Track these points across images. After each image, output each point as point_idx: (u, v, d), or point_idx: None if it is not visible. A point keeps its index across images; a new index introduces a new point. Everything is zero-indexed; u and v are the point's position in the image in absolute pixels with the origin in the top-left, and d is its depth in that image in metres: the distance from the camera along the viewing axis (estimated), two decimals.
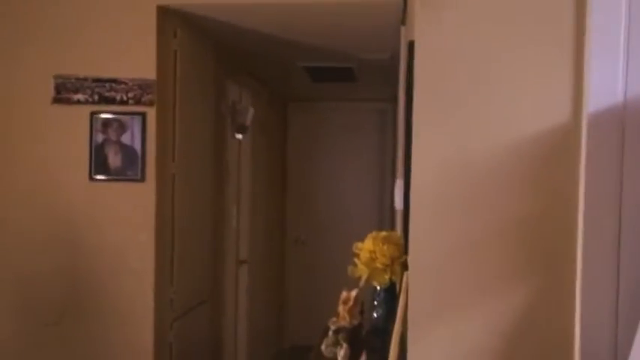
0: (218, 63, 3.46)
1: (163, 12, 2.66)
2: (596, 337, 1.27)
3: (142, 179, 2.63)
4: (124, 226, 2.65)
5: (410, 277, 1.40)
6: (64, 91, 2.64)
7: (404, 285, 1.62)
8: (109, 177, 2.65)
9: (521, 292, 1.34)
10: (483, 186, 1.35)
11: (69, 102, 2.64)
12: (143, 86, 2.61)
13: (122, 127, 2.63)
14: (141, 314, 2.64)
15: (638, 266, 1.20)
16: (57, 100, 2.65)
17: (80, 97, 2.64)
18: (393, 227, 4.11)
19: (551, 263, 1.33)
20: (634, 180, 1.26)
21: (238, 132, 3.96)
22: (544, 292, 1.33)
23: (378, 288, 2.15)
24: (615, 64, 1.26)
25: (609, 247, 1.26)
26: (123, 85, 2.62)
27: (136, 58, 2.62)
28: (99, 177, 2.65)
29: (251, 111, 4.03)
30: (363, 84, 4.64)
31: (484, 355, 1.35)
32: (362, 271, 2.04)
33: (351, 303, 2.22)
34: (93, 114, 2.64)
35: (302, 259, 5.53)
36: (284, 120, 5.59)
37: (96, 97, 2.64)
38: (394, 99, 4.27)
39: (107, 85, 2.63)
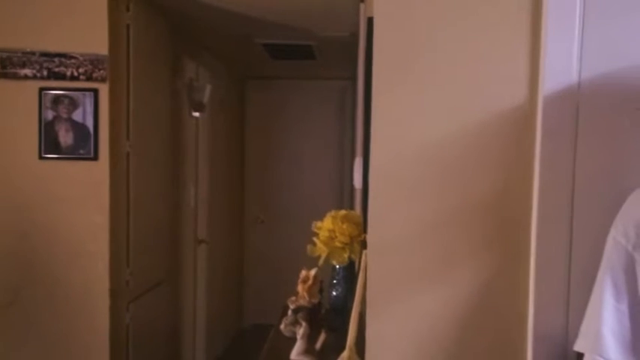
0: (174, 39, 3.37)
1: None
2: (549, 316, 1.30)
3: (95, 158, 2.56)
4: (77, 206, 2.58)
5: (369, 255, 1.40)
6: (10, 66, 2.53)
7: (363, 263, 1.62)
8: (60, 156, 2.56)
9: (478, 270, 1.36)
10: (441, 165, 1.35)
11: (15, 77, 2.53)
12: (94, 61, 2.52)
13: (73, 104, 2.54)
14: (96, 296, 2.59)
15: (590, 242, 1.23)
16: (2, 75, 2.53)
17: (27, 72, 2.53)
18: (352, 206, 4.13)
19: (508, 241, 1.35)
20: (587, 159, 1.28)
21: (195, 110, 3.88)
22: (501, 270, 1.35)
23: (337, 267, 2.15)
24: (570, 46, 1.28)
25: (563, 225, 1.29)
26: (73, 60, 2.52)
27: (87, 33, 2.53)
28: (49, 156, 2.56)
29: (208, 88, 3.95)
30: (322, 62, 4.60)
31: (442, 331, 1.37)
32: (321, 250, 2.04)
33: (310, 282, 2.22)
34: (42, 90, 2.54)
35: (261, 239, 5.52)
36: (242, 98, 5.51)
37: (45, 73, 2.53)
38: (354, 77, 4.26)
39: (56, 59, 2.53)
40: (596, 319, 1.08)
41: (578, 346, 1.12)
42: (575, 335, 1.13)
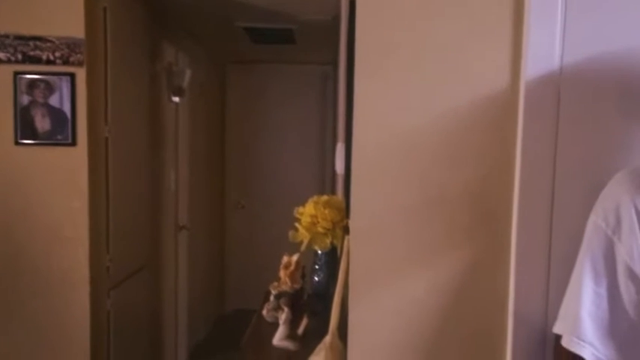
0: (153, 22, 3.31)
1: None
2: (529, 301, 1.32)
3: (73, 143, 2.51)
4: (55, 193, 2.54)
5: (351, 241, 1.40)
6: None
7: (345, 248, 1.63)
8: (37, 141, 2.51)
9: (460, 255, 1.37)
10: (424, 151, 1.35)
11: None
12: (71, 45, 2.46)
13: (49, 89, 2.49)
14: (76, 283, 2.56)
15: (570, 227, 1.24)
16: None
17: (1, 55, 2.46)
18: (334, 191, 4.13)
19: (490, 227, 1.36)
20: (568, 145, 1.29)
21: (175, 95, 3.84)
22: (482, 255, 1.36)
23: (320, 252, 2.16)
24: (553, 31, 1.28)
25: (543, 210, 1.30)
26: (49, 44, 2.47)
27: (63, 15, 2.47)
28: (26, 141, 2.51)
29: (188, 73, 3.90)
30: (303, 46, 4.57)
31: (424, 316, 1.38)
32: (303, 235, 2.04)
33: (292, 267, 2.22)
34: (16, 74, 2.48)
35: (242, 224, 5.50)
36: (223, 82, 5.46)
37: (19, 56, 2.47)
38: (335, 62, 4.24)
39: (31, 43, 2.47)
40: (574, 302, 1.10)
41: (557, 329, 1.13)
42: (555, 319, 1.15)
